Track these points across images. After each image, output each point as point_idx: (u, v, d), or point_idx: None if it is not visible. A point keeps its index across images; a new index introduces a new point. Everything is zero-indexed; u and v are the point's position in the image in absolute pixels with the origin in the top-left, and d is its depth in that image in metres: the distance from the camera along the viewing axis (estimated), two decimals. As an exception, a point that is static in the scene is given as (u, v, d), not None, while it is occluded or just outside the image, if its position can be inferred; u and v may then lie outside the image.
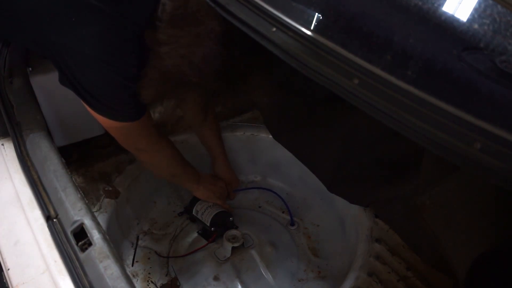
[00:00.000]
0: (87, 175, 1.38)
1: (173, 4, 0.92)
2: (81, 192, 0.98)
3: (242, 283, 1.32)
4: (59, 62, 0.96)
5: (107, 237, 0.90)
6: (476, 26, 0.72)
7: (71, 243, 0.88)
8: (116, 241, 1.34)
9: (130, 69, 0.96)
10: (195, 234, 1.46)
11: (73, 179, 1.01)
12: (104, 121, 1.06)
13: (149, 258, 1.39)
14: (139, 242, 1.43)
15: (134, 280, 1.31)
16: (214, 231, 1.40)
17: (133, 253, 1.39)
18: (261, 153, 1.64)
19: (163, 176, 1.46)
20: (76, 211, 0.92)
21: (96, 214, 1.26)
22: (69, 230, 0.90)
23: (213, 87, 0.98)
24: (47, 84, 1.28)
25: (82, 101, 1.03)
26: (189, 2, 0.91)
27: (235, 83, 1.00)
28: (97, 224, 0.91)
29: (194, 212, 1.47)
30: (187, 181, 1.43)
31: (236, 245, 1.37)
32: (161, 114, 1.09)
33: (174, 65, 0.92)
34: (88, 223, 0.90)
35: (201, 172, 1.46)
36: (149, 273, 1.35)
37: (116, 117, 1.04)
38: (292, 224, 1.52)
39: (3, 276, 0.88)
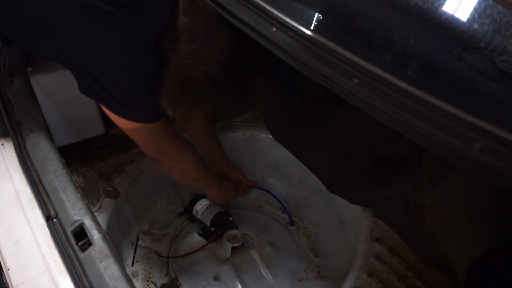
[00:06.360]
0: (87, 175, 1.38)
1: (193, 17, 0.95)
2: (81, 192, 0.98)
3: (242, 283, 1.32)
4: (80, 71, 0.97)
5: (107, 237, 0.90)
6: (476, 26, 0.73)
7: (71, 243, 0.88)
8: (116, 241, 1.34)
9: (151, 67, 0.98)
10: (195, 234, 1.46)
11: (73, 179, 1.01)
12: (129, 125, 1.07)
13: (149, 258, 1.39)
14: (139, 242, 1.43)
15: (134, 280, 1.31)
16: (214, 231, 1.40)
17: (133, 253, 1.39)
18: (261, 153, 1.64)
19: (186, 182, 1.46)
20: (76, 211, 0.92)
21: (96, 214, 1.26)
22: (69, 230, 0.90)
23: (225, 99, 1.04)
24: (47, 84, 1.28)
25: (106, 110, 1.04)
26: (209, 16, 0.94)
27: (241, 93, 1.07)
28: (97, 224, 0.91)
29: (194, 212, 1.47)
30: (209, 185, 1.43)
31: (236, 245, 1.37)
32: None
33: (193, 78, 0.96)
34: (88, 223, 0.90)
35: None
36: (149, 273, 1.35)
37: (140, 118, 1.05)
38: (292, 224, 1.52)
39: (3, 276, 0.88)
